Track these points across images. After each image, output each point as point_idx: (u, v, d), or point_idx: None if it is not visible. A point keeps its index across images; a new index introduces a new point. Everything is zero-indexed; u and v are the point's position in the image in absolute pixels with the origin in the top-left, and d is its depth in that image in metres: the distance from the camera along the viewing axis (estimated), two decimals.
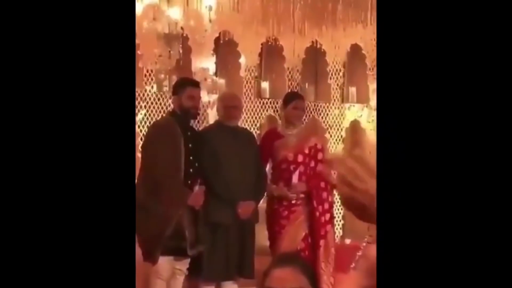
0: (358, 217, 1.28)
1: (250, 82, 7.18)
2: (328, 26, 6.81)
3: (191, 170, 4.80)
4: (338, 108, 7.64)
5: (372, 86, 7.74)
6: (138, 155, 5.08)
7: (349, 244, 6.92)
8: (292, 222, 5.13)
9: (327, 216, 5.20)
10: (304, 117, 5.61)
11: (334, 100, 7.63)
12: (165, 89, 6.49)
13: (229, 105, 5.15)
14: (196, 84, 5.05)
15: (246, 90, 7.14)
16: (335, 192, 5.07)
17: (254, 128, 6.91)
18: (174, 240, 4.68)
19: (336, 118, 7.60)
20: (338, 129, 7.58)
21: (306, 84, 7.63)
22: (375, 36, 7.15)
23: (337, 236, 7.04)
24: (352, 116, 7.65)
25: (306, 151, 5.23)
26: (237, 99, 5.38)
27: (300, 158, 5.20)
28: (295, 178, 5.13)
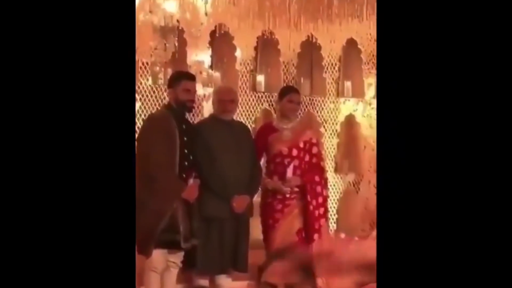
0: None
1: (246, 76, 7.17)
2: (324, 20, 6.80)
3: (186, 163, 4.81)
4: (333, 102, 7.63)
5: (368, 80, 7.74)
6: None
7: (343, 239, 6.93)
8: (286, 216, 5.14)
9: (321, 210, 5.21)
10: (299, 111, 5.62)
11: (329, 94, 7.63)
12: (161, 82, 6.48)
13: (225, 99, 5.15)
14: (191, 77, 5.05)
15: (242, 84, 7.13)
16: (329, 186, 5.08)
17: (249, 122, 6.90)
18: (168, 233, 4.68)
19: (331, 112, 7.60)
20: (333, 123, 7.58)
21: (302, 78, 7.63)
22: (371, 30, 7.16)
23: (331, 230, 7.05)
24: (347, 110, 7.65)
25: (301, 145, 5.24)
26: (233, 92, 5.38)
27: (294, 152, 5.21)
28: (289, 172, 5.13)
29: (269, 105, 7.18)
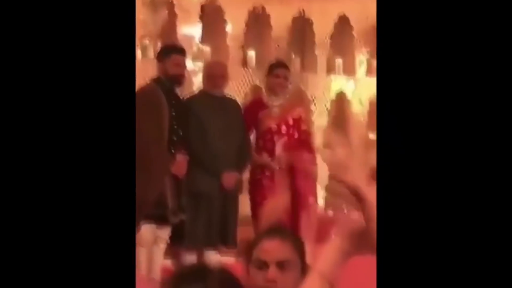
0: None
1: (236, 51, 7.12)
2: None
3: (174, 138, 4.78)
4: (324, 79, 7.61)
5: (359, 58, 7.71)
6: None
7: (331, 216, 6.95)
8: (275, 192, 5.13)
9: (309, 186, 5.20)
10: (288, 87, 5.57)
11: (320, 71, 7.61)
12: (151, 55, 6.43)
13: (215, 74, 5.10)
14: (181, 51, 5.00)
15: (232, 59, 7.09)
16: (318, 163, 5.07)
17: (239, 98, 6.87)
18: (156, 208, 4.66)
19: (322, 89, 7.57)
20: (323, 100, 7.56)
21: (293, 55, 7.59)
22: (363, 7, 7.11)
23: (320, 208, 7.06)
24: (338, 87, 7.63)
25: (290, 122, 5.21)
26: (223, 67, 5.33)
27: (284, 129, 5.18)
28: (278, 149, 5.12)
29: (259, 81, 7.15)
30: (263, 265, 1.94)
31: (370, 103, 7.63)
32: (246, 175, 5.30)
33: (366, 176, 1.32)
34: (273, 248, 1.96)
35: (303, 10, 7.11)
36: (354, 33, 7.58)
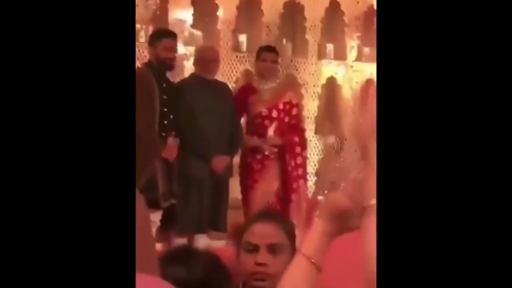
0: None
1: (227, 35, 7.12)
2: None
3: (165, 122, 4.79)
4: (315, 64, 7.61)
5: (350, 43, 7.72)
6: None
7: (321, 200, 6.98)
8: (265, 176, 5.15)
9: (300, 170, 5.23)
10: (277, 70, 5.58)
11: (312, 56, 7.61)
12: (142, 39, 6.42)
13: (206, 58, 5.11)
14: (172, 35, 5.00)
15: (223, 44, 7.08)
16: (309, 148, 5.09)
17: (230, 82, 6.87)
18: (147, 191, 4.64)
19: (313, 75, 7.58)
20: (314, 86, 7.57)
21: (284, 40, 7.58)
22: None
23: (310, 192, 7.09)
24: (329, 72, 7.64)
25: (281, 107, 5.23)
26: (215, 51, 5.34)
27: (274, 113, 5.20)
28: (269, 133, 5.13)
29: (250, 65, 7.15)
30: (253, 249, 1.95)
31: (361, 88, 7.65)
32: (236, 159, 5.33)
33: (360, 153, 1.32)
34: (264, 232, 1.97)
35: None
36: (345, 18, 7.58)
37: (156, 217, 4.86)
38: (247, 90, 5.35)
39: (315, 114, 7.51)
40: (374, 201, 1.22)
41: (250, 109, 5.23)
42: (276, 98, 5.24)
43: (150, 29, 6.13)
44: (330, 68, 7.66)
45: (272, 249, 1.95)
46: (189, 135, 4.90)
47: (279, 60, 5.71)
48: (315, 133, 7.51)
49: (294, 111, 5.27)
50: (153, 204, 4.76)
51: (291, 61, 7.49)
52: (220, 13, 6.98)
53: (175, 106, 4.88)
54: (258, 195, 5.17)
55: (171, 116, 4.84)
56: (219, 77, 6.03)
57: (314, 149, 7.43)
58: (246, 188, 5.19)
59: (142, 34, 6.43)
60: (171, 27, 6.12)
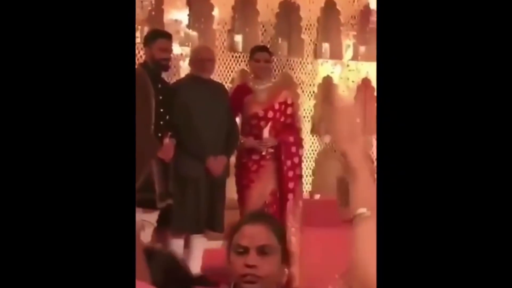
0: None
1: (223, 35, 7.11)
2: None
3: (161, 122, 4.78)
4: (311, 63, 7.61)
5: (346, 42, 7.71)
6: None
7: (318, 200, 6.98)
8: (261, 176, 5.15)
9: (296, 170, 5.22)
10: (271, 70, 5.57)
11: (307, 56, 7.60)
12: (137, 40, 6.41)
13: (202, 58, 5.10)
14: (167, 36, 5.00)
15: (219, 44, 7.08)
16: (305, 147, 5.08)
17: (226, 82, 6.87)
18: (143, 192, 4.67)
19: (309, 74, 7.58)
20: (310, 85, 7.57)
21: (279, 39, 7.58)
22: None
23: (306, 191, 7.09)
24: (325, 72, 7.64)
25: (276, 107, 5.22)
26: (210, 51, 5.33)
27: (270, 114, 5.19)
28: (266, 132, 5.12)
29: (246, 65, 7.15)
30: (243, 251, 1.95)
31: (357, 88, 7.65)
32: (232, 159, 5.31)
33: (363, 155, 1.31)
34: (254, 234, 1.96)
35: None
36: (341, 17, 7.58)
37: (152, 217, 4.86)
38: (242, 90, 5.34)
39: (311, 114, 7.50)
40: (362, 210, 1.22)
41: (245, 110, 5.22)
42: (272, 98, 5.23)
43: (146, 29, 6.12)
44: (326, 68, 7.66)
45: (262, 251, 1.95)
46: (185, 135, 4.90)
47: (274, 59, 5.70)
48: (311, 132, 7.51)
49: (289, 111, 5.26)
50: (149, 205, 4.76)
51: (287, 60, 7.49)
52: (215, 13, 6.98)
53: (171, 107, 4.88)
54: (254, 195, 5.18)
55: (167, 117, 4.84)
56: (215, 77, 6.03)
57: (311, 148, 7.43)
58: (243, 188, 5.18)
59: (138, 34, 6.42)
60: (166, 28, 6.12)
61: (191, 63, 5.24)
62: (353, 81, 7.63)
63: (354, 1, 7.66)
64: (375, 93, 7.54)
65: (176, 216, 4.90)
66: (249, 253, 1.93)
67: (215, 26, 7.03)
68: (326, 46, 7.73)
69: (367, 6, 7.56)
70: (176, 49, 6.11)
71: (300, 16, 7.51)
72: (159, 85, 4.84)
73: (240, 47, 7.31)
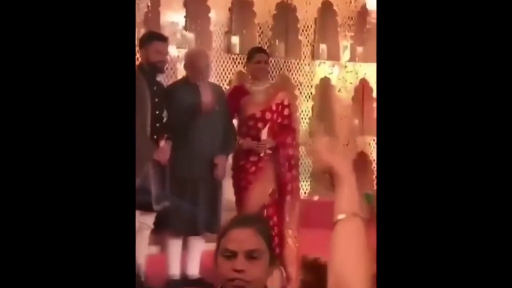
0: None
1: (220, 37, 7.10)
2: None
3: (157, 125, 4.77)
4: (308, 65, 7.60)
5: (343, 43, 7.70)
6: None
7: (316, 201, 6.97)
8: (259, 177, 5.12)
9: (294, 172, 5.20)
10: (270, 72, 5.56)
11: (305, 57, 7.59)
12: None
13: (196, 64, 5.08)
14: (163, 38, 4.98)
15: (216, 45, 7.07)
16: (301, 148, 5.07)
17: (223, 84, 6.86)
18: (139, 194, 4.65)
19: (306, 75, 7.57)
20: (308, 86, 7.56)
21: (276, 40, 7.57)
22: None
23: (305, 193, 7.07)
24: (322, 73, 7.63)
25: (273, 108, 5.20)
26: (205, 56, 5.31)
27: (268, 115, 5.17)
28: (264, 134, 5.10)
29: (243, 67, 7.14)
30: (231, 255, 1.93)
31: (355, 89, 7.64)
32: (229, 161, 5.30)
33: (348, 163, 1.31)
34: (242, 238, 1.93)
35: None
36: (338, 18, 7.57)
37: (149, 220, 4.84)
38: (239, 91, 5.32)
39: (309, 115, 7.49)
40: (341, 216, 1.22)
41: (242, 111, 5.21)
42: (269, 99, 5.22)
43: (142, 31, 6.10)
44: (323, 69, 7.65)
45: (250, 255, 1.93)
46: (181, 137, 4.88)
47: (271, 60, 5.68)
48: (309, 133, 7.50)
49: (286, 112, 5.24)
50: (146, 207, 4.74)
51: (285, 62, 7.48)
52: (212, 15, 6.97)
53: (167, 109, 4.86)
54: (253, 196, 5.14)
55: (163, 119, 4.83)
56: (212, 79, 6.01)
57: (308, 149, 7.41)
58: (240, 190, 5.16)
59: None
60: (163, 30, 6.11)
61: (185, 67, 5.21)
62: (351, 83, 7.62)
63: (351, 2, 7.65)
64: (373, 94, 7.54)
65: (173, 218, 4.89)
66: (237, 258, 1.91)
67: (212, 28, 7.02)
68: (323, 47, 7.73)
69: (364, 7, 7.56)
70: (173, 51, 6.10)
71: (297, 17, 7.51)
72: (155, 87, 4.83)
73: (237, 49, 7.30)
